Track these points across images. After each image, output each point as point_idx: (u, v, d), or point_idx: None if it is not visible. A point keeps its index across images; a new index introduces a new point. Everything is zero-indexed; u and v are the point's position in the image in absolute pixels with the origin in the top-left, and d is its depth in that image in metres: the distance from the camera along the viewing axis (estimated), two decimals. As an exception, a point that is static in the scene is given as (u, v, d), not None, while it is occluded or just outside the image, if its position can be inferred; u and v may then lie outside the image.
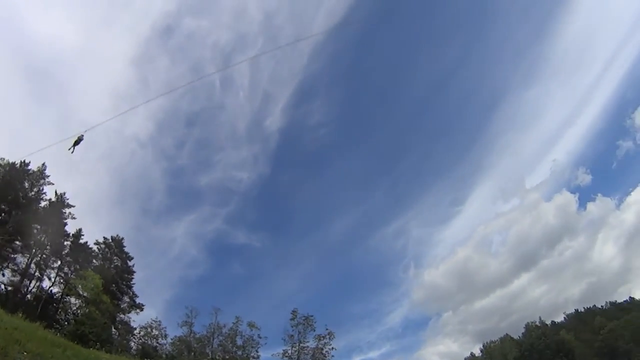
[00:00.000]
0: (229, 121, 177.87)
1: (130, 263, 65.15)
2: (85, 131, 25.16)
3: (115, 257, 64.13)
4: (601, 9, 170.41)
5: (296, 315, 62.69)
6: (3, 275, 51.60)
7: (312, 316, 62.47)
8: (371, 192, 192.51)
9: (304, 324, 62.24)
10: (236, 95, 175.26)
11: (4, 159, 54.73)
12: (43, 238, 54.56)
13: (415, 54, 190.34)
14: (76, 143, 25.17)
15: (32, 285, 55.09)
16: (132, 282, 63.78)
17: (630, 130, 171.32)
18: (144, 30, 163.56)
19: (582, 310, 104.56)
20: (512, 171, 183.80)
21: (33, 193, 56.78)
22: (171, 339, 59.55)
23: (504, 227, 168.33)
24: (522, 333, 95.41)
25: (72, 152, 25.26)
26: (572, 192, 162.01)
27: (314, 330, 61.58)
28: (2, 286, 51.87)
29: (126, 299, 61.96)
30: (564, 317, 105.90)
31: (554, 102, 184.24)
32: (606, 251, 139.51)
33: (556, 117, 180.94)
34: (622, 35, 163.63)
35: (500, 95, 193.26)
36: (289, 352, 60.53)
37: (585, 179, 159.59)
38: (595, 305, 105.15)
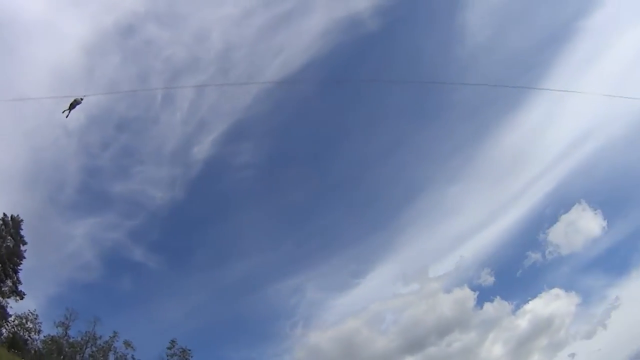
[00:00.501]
0: (159, 137, 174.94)
1: (22, 247, 62.01)
2: (85, 96, 24.27)
3: (9, 237, 60.88)
4: (542, 125, 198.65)
5: (174, 346, 63.27)
6: None
7: (189, 350, 63.40)
8: (278, 244, 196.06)
9: (179, 356, 62.92)
10: (173, 114, 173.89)
11: None
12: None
13: (356, 129, 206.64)
14: (72, 106, 23.96)
15: None
16: (19, 267, 60.47)
17: (542, 244, 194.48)
18: (107, 22, 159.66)
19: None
20: (418, 257, 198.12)
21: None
22: (44, 337, 57.08)
23: (399, 309, 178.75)
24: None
25: (66, 116, 24.26)
26: (473, 289, 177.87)
27: (189, 365, 62.39)
28: None
29: (9, 282, 58.42)
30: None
31: (476, 202, 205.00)
32: (494, 351, 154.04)
33: (474, 216, 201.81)
34: (556, 154, 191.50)
35: (425, 185, 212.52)
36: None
37: (488, 279, 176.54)
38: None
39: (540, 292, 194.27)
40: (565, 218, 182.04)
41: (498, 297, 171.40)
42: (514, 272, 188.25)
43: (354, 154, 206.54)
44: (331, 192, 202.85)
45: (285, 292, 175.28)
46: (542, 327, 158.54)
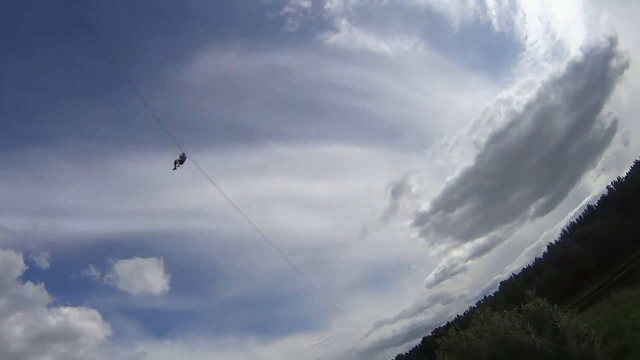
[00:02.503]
0: None
1: None
2: (184, 153, 24.75)
3: None
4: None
5: None
6: None
7: None
8: None
9: None
10: None
11: None
12: None
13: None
14: (182, 161, 24.85)
15: None
16: None
17: (107, 268, 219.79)
18: None
19: None
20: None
21: None
22: None
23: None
24: None
25: (173, 169, 25.13)
26: (26, 262, 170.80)
27: None
28: None
29: None
30: None
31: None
32: None
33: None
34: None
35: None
36: None
37: (44, 262, 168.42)
38: None
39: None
40: (146, 261, 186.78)
41: (43, 284, 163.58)
42: (68, 273, 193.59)
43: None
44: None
45: None
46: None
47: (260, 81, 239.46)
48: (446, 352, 18.47)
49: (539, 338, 16.24)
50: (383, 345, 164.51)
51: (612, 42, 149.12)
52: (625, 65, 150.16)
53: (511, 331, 16.52)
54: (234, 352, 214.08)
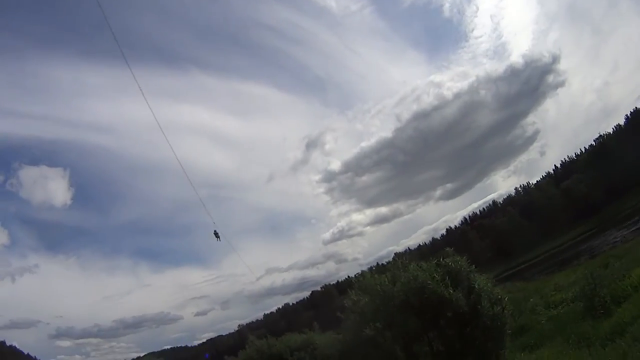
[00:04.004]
0: None
1: None
2: (215, 230, 29.11)
3: None
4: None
5: None
6: None
7: None
8: None
9: None
10: None
11: None
12: None
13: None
14: (217, 236, 29.30)
15: None
16: None
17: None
18: None
19: None
20: None
21: None
22: None
23: None
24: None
25: (220, 240, 29.78)
26: None
27: None
28: None
29: None
30: None
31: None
32: None
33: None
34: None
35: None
36: None
37: None
38: None
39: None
40: (52, 171, 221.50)
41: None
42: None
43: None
44: None
45: None
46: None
47: (197, 5, 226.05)
48: (360, 292, 17.03)
49: (456, 293, 15.07)
50: (272, 292, 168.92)
51: (555, 59, 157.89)
52: (561, 84, 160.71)
53: (429, 282, 15.16)
54: (125, 276, 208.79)
